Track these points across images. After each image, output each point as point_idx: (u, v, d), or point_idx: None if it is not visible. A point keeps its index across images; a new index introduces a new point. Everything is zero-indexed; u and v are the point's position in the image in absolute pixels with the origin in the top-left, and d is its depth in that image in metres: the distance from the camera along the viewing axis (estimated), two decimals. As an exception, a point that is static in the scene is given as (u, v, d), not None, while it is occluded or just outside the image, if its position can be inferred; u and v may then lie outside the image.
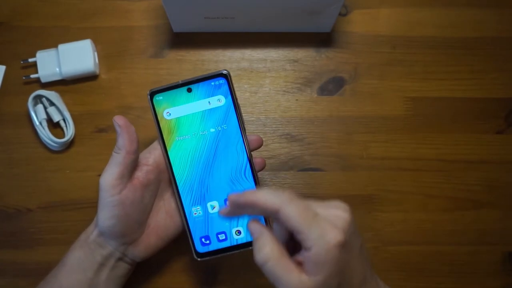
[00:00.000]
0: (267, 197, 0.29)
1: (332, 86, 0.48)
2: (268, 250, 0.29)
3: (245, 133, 0.37)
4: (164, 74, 0.48)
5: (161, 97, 0.37)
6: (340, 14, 0.49)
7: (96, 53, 0.47)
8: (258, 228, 0.31)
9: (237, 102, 0.37)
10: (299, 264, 0.29)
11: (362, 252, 0.32)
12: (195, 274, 0.44)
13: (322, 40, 0.48)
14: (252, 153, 0.37)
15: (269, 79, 0.48)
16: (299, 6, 0.42)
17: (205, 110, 0.37)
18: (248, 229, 0.32)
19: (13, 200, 0.45)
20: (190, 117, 0.37)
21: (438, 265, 0.45)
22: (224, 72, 0.36)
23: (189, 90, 0.36)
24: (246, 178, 0.37)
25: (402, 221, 0.46)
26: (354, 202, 0.46)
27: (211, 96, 0.37)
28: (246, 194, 0.31)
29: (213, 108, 0.37)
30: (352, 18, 0.49)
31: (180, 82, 0.36)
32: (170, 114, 0.37)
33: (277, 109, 0.47)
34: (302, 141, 0.47)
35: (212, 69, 0.48)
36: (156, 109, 0.37)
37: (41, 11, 0.48)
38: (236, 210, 0.33)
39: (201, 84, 0.36)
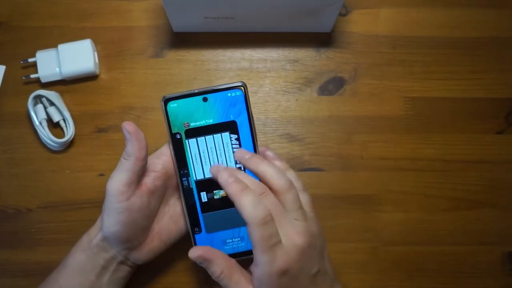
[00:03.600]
0: (247, 206, 0.32)
1: (332, 86, 0.48)
2: (219, 272, 0.34)
3: (257, 143, 0.37)
4: (164, 74, 0.48)
5: (176, 105, 0.36)
6: (340, 14, 0.49)
7: (96, 53, 0.47)
8: (204, 258, 0.34)
9: (252, 115, 0.37)
10: (249, 272, 0.34)
11: (315, 279, 0.33)
12: (197, 274, 0.44)
13: (322, 40, 0.48)
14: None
15: (269, 79, 0.48)
16: (299, 6, 0.42)
17: (220, 121, 0.37)
18: (195, 258, 0.34)
19: (13, 200, 0.45)
20: (203, 128, 0.37)
21: (438, 265, 0.45)
22: (240, 83, 0.36)
23: (205, 100, 0.36)
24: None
25: (402, 221, 0.46)
26: (354, 202, 0.46)
27: (227, 109, 0.36)
28: (234, 185, 0.33)
29: (228, 120, 0.37)
30: (352, 18, 0.49)
31: (196, 91, 0.36)
32: (185, 124, 0.37)
33: (277, 109, 0.47)
34: (302, 141, 0.47)
35: (212, 69, 0.48)
36: (169, 117, 0.36)
37: (41, 11, 0.48)
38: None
39: (217, 94, 0.36)
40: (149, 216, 0.37)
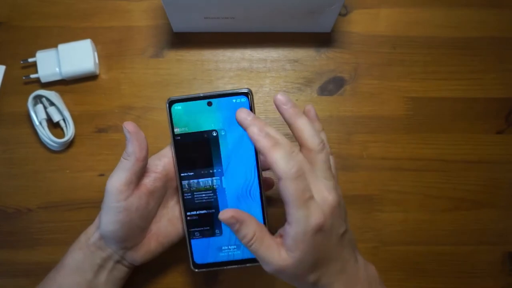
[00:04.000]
0: (279, 161, 0.31)
1: (332, 86, 0.48)
2: (251, 235, 0.32)
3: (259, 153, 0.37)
4: (164, 74, 0.48)
5: (180, 107, 0.36)
6: (340, 14, 0.49)
7: (96, 53, 0.47)
8: (236, 219, 0.33)
9: None
10: (281, 237, 0.33)
11: (343, 240, 0.33)
12: (196, 274, 0.44)
13: (322, 40, 0.48)
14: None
15: (269, 79, 0.48)
16: (299, 6, 0.42)
17: (224, 127, 0.36)
18: (227, 219, 0.33)
19: (13, 200, 0.45)
20: (206, 132, 0.36)
21: (438, 265, 0.45)
22: (246, 90, 0.36)
23: (210, 104, 0.36)
24: (252, 198, 0.37)
25: (402, 221, 0.46)
26: (354, 202, 0.46)
27: (231, 115, 0.36)
28: (266, 140, 0.32)
29: (232, 126, 0.36)
30: (352, 18, 0.49)
31: (202, 95, 0.36)
32: (188, 127, 0.36)
33: (277, 109, 0.47)
34: (302, 141, 0.47)
35: (212, 69, 0.48)
36: (173, 119, 0.36)
37: (41, 11, 0.48)
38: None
39: (222, 99, 0.36)
40: (147, 217, 0.37)
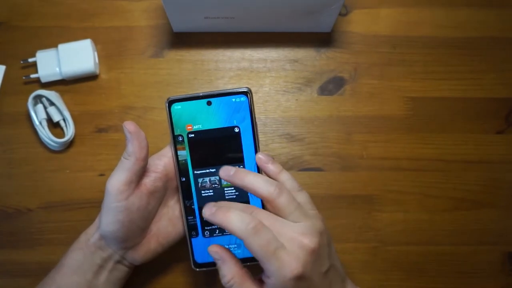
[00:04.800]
0: (234, 223, 0.31)
1: (332, 86, 0.48)
2: (229, 277, 0.33)
3: (259, 150, 0.37)
4: (164, 74, 0.48)
5: (180, 107, 0.36)
6: (340, 14, 0.49)
7: (96, 53, 0.47)
8: (219, 255, 0.33)
9: (256, 122, 0.37)
10: (261, 282, 0.33)
11: (327, 278, 0.33)
12: (196, 274, 0.44)
13: (322, 40, 0.48)
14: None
15: (269, 79, 0.48)
16: (299, 6, 0.42)
17: (223, 126, 0.36)
18: (209, 253, 0.34)
19: (13, 200, 0.45)
20: (206, 131, 0.37)
21: (438, 265, 0.45)
22: (246, 89, 0.36)
23: (209, 103, 0.36)
24: (251, 195, 0.37)
25: (402, 221, 0.46)
26: (354, 202, 0.46)
27: (231, 114, 0.36)
28: (218, 212, 0.32)
29: (231, 125, 0.36)
30: (352, 18, 0.49)
31: (201, 94, 0.36)
32: (188, 127, 0.36)
33: (277, 109, 0.47)
34: (302, 141, 0.47)
35: (212, 69, 0.48)
36: (172, 118, 0.36)
37: (41, 11, 0.48)
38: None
39: (221, 98, 0.36)
40: (148, 216, 0.37)
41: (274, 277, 0.31)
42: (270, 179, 0.34)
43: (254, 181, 0.33)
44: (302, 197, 0.35)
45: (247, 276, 0.33)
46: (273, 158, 0.36)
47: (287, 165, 0.46)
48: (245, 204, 0.33)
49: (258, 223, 0.31)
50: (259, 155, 0.36)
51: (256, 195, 0.33)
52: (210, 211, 0.32)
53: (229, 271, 0.33)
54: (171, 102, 0.36)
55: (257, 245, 0.30)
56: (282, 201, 0.32)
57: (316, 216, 0.34)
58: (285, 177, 0.35)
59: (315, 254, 0.31)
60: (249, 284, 0.33)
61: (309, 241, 0.31)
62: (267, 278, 0.31)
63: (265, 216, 0.32)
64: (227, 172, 0.34)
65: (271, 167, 0.36)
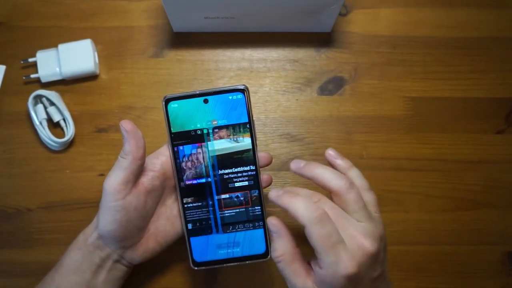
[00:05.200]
0: (299, 209, 0.31)
1: (332, 86, 0.48)
2: (280, 253, 0.33)
3: (257, 148, 0.37)
4: (164, 74, 0.48)
5: (176, 105, 0.36)
6: (340, 14, 0.49)
7: (96, 53, 0.47)
8: (277, 228, 0.33)
9: (253, 119, 0.37)
10: (310, 266, 0.32)
11: (377, 281, 0.32)
12: (195, 274, 0.44)
13: (322, 40, 0.48)
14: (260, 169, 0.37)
15: (269, 79, 0.48)
16: (299, 6, 0.42)
17: (220, 124, 0.36)
18: (268, 223, 0.34)
19: (13, 200, 0.45)
20: (204, 130, 0.36)
21: (438, 265, 0.45)
22: (242, 87, 0.36)
23: (206, 101, 0.36)
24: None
25: (402, 221, 0.46)
26: (354, 202, 0.46)
27: (228, 111, 0.36)
28: (285, 196, 0.32)
29: (228, 122, 0.36)
30: (352, 18, 0.49)
31: (198, 92, 0.36)
32: (184, 125, 0.36)
33: (277, 109, 0.47)
34: (302, 141, 0.47)
35: (212, 69, 0.48)
36: (169, 117, 0.36)
37: (41, 11, 0.48)
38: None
39: (218, 96, 0.36)
40: (145, 216, 0.37)
41: (326, 270, 0.30)
42: (340, 173, 0.33)
43: (323, 172, 0.33)
44: (369, 197, 0.34)
45: (298, 257, 0.33)
46: (341, 154, 0.36)
47: (287, 165, 0.46)
48: (312, 191, 0.33)
49: (323, 213, 0.31)
50: (329, 151, 0.36)
51: (326, 187, 0.33)
52: (277, 194, 0.33)
53: (282, 246, 0.33)
54: (167, 101, 0.36)
55: (318, 235, 0.30)
56: (351, 197, 0.32)
57: (379, 220, 0.34)
58: (355, 173, 0.35)
59: (372, 258, 0.31)
60: (297, 266, 0.32)
61: (369, 244, 0.31)
62: (318, 267, 0.31)
63: (330, 208, 0.32)
64: (298, 164, 0.35)
65: (340, 162, 0.36)
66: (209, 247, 0.37)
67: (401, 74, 0.48)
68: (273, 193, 0.33)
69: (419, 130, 0.47)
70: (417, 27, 0.49)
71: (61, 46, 0.46)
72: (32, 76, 0.46)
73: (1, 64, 0.47)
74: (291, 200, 0.32)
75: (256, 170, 0.37)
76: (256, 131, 0.47)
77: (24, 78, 0.47)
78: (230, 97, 0.36)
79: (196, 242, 0.38)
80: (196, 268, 0.38)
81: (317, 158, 0.46)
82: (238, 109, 0.36)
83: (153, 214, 0.38)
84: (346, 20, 0.49)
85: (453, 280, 0.45)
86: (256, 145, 0.37)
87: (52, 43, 0.47)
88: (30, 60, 0.46)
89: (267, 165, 0.38)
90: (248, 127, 0.36)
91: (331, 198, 0.34)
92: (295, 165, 0.35)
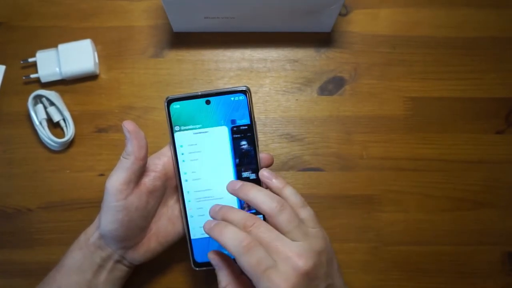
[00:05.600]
0: (228, 241, 0.31)
1: (332, 86, 0.48)
2: (224, 284, 0.33)
3: (258, 150, 0.37)
4: (164, 74, 0.48)
5: (178, 106, 0.36)
6: (340, 14, 0.49)
7: (96, 53, 0.47)
8: (216, 262, 0.34)
9: (255, 121, 0.37)
10: None
11: None
12: (196, 274, 0.44)
13: (322, 40, 0.48)
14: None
15: (269, 79, 0.48)
16: (299, 6, 0.42)
17: (222, 124, 0.36)
18: (209, 257, 0.35)
19: (13, 200, 0.45)
20: (206, 130, 0.36)
21: (438, 265, 0.45)
22: (244, 88, 0.36)
23: (208, 102, 0.36)
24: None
25: (402, 221, 0.46)
26: (354, 202, 0.46)
27: (229, 113, 0.36)
28: (215, 228, 0.33)
29: (231, 124, 0.36)
30: (352, 18, 0.49)
31: (200, 93, 0.36)
32: (186, 126, 0.37)
33: (277, 109, 0.47)
34: (302, 141, 0.47)
35: (212, 69, 0.48)
36: (171, 117, 0.36)
37: (41, 11, 0.48)
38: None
39: (220, 97, 0.36)
40: (147, 216, 0.37)
41: None
42: (273, 194, 0.34)
43: (256, 196, 0.33)
44: (306, 213, 0.34)
45: (242, 284, 0.33)
46: (275, 174, 0.36)
47: (287, 165, 0.46)
48: (248, 215, 0.33)
49: (251, 241, 0.31)
50: (263, 172, 0.36)
51: (259, 210, 0.33)
52: (209, 226, 0.33)
53: (224, 278, 0.33)
54: (170, 102, 0.36)
55: (247, 264, 0.30)
56: (283, 218, 0.32)
57: (317, 235, 0.33)
58: (289, 192, 0.35)
59: (308, 277, 0.31)
60: None
61: (303, 263, 0.31)
62: None
63: (264, 231, 0.32)
64: (233, 186, 0.35)
65: (275, 182, 0.35)
66: (210, 248, 0.37)
67: (401, 74, 0.48)
68: (206, 225, 0.33)
69: (419, 130, 0.47)
70: (417, 27, 0.49)
71: (61, 46, 0.46)
72: (32, 76, 0.46)
73: (1, 64, 0.47)
74: (220, 232, 0.32)
75: (257, 171, 0.37)
76: (256, 131, 0.47)
77: (24, 78, 0.47)
78: (232, 98, 0.36)
79: (197, 243, 0.38)
80: (197, 268, 0.38)
81: (317, 159, 0.46)
82: (240, 110, 0.36)
83: (155, 214, 0.39)
84: (346, 20, 0.49)
85: (453, 280, 0.45)
86: (258, 146, 0.37)
87: (52, 43, 0.47)
88: (30, 60, 0.46)
89: (269, 166, 0.38)
90: (250, 128, 0.36)
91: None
92: (230, 187, 0.35)
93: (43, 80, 0.46)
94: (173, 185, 0.39)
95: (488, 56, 0.48)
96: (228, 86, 0.48)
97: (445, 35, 0.49)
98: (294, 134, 0.47)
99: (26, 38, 0.48)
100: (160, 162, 0.38)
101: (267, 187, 0.36)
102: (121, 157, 0.35)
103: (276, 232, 0.32)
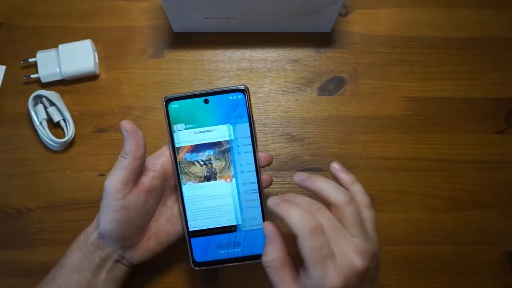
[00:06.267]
0: (294, 219, 0.31)
1: (332, 86, 0.48)
2: (271, 258, 0.32)
3: (257, 149, 0.37)
4: (164, 74, 0.48)
5: (177, 105, 0.36)
6: (340, 14, 0.49)
7: (96, 53, 0.47)
8: (271, 234, 0.33)
9: (253, 119, 0.37)
10: (298, 274, 0.32)
11: None
12: (196, 274, 0.44)
13: (322, 40, 0.49)
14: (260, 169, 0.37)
15: (269, 79, 0.48)
16: (299, 6, 0.43)
17: (221, 124, 0.36)
18: (263, 228, 0.34)
19: (13, 200, 0.45)
20: (204, 130, 0.37)
21: (438, 265, 0.45)
22: (243, 87, 0.36)
23: (206, 101, 0.36)
24: (252, 195, 0.37)
25: (402, 221, 0.46)
26: (354, 202, 0.46)
27: (228, 112, 0.36)
28: (282, 204, 0.32)
29: (229, 123, 0.36)
30: (352, 18, 0.49)
31: (198, 92, 0.36)
32: (185, 125, 0.37)
33: (277, 109, 0.47)
34: (302, 141, 0.47)
35: (212, 69, 0.48)
36: (170, 117, 0.36)
37: (41, 11, 0.48)
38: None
39: (218, 96, 0.36)
40: (146, 215, 0.37)
41: (313, 281, 0.30)
42: (341, 187, 0.33)
43: (324, 185, 0.33)
44: (368, 214, 0.34)
45: (287, 265, 0.33)
46: (346, 168, 0.36)
47: (287, 165, 0.46)
48: (312, 200, 0.33)
49: (317, 225, 0.31)
50: (334, 164, 0.36)
51: (326, 199, 0.33)
52: (275, 201, 0.33)
53: (273, 253, 0.33)
54: (168, 101, 0.36)
55: (309, 247, 0.30)
56: (349, 211, 0.32)
57: (374, 238, 0.33)
58: (358, 189, 0.35)
59: (360, 276, 0.31)
60: (285, 274, 0.32)
61: (360, 261, 0.31)
62: (306, 277, 0.31)
63: (327, 219, 0.32)
64: (301, 177, 0.35)
65: (344, 176, 0.35)
66: (209, 247, 0.37)
67: (400, 74, 0.48)
68: (272, 201, 0.33)
69: (419, 130, 0.47)
70: (417, 27, 0.49)
71: (61, 46, 0.46)
72: (32, 76, 0.46)
73: (1, 64, 0.47)
74: (288, 209, 0.31)
75: (256, 170, 0.37)
76: (256, 131, 0.47)
77: (24, 78, 0.47)
78: (231, 97, 0.36)
79: (197, 242, 0.38)
80: (196, 268, 0.38)
81: (317, 159, 0.46)
82: (238, 109, 0.36)
83: (154, 213, 0.39)
84: (346, 20, 0.49)
85: (453, 280, 0.45)
86: (257, 145, 0.37)
87: (52, 43, 0.47)
88: (30, 60, 0.46)
89: (268, 165, 0.38)
90: (248, 127, 0.36)
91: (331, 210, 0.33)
92: (298, 177, 0.35)
93: (43, 80, 0.46)
94: (171, 184, 0.39)
95: (488, 56, 0.48)
96: (228, 86, 0.47)
97: (445, 35, 0.49)
98: (294, 134, 0.47)
99: (26, 38, 0.48)
100: (158, 161, 0.38)
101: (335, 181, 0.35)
102: (119, 157, 0.35)
103: (338, 223, 0.32)
